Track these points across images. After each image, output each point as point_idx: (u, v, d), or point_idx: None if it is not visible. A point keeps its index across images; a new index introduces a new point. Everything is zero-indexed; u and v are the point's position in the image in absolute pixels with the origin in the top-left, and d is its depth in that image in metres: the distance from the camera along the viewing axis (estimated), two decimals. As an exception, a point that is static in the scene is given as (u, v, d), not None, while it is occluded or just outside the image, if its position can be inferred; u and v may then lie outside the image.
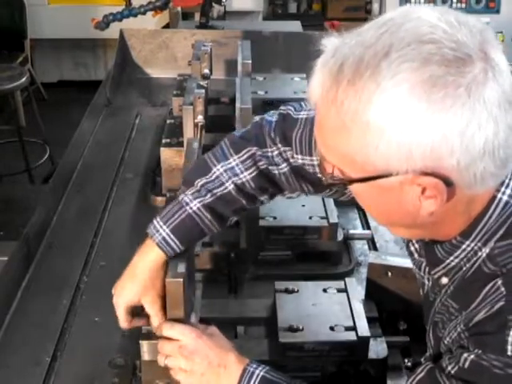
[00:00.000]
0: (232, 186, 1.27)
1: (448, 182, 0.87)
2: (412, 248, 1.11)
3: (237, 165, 1.28)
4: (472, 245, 0.96)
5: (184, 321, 1.23)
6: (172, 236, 1.25)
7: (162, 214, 1.27)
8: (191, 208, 1.26)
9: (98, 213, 2.02)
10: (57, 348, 1.52)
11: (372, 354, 1.35)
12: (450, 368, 0.93)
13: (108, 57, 5.56)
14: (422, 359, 1.09)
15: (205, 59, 2.28)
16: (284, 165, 1.27)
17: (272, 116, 1.31)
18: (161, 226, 1.26)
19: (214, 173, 1.28)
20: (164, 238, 1.25)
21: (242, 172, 1.28)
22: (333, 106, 0.88)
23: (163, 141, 2.03)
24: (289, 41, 3.07)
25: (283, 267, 1.73)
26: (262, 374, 1.17)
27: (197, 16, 3.93)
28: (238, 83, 2.15)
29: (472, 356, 0.89)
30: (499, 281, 0.91)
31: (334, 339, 1.32)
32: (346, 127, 0.88)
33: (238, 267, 1.67)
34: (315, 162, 1.23)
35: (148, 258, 1.27)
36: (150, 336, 1.32)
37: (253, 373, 1.17)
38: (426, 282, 1.09)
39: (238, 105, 1.97)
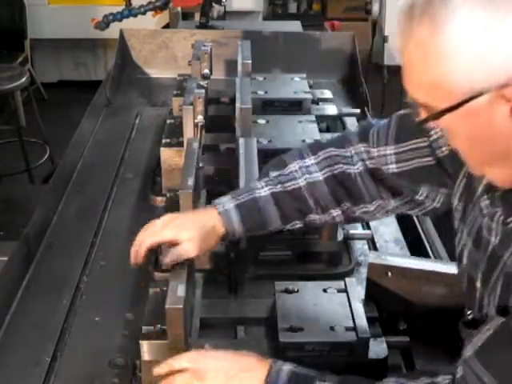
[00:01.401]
0: (304, 182, 1.33)
1: None
2: (483, 204, 1.11)
3: (312, 164, 1.35)
4: None
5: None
6: (235, 211, 1.33)
7: (233, 192, 1.37)
8: (260, 193, 1.34)
9: (98, 213, 2.02)
10: (57, 348, 1.52)
11: (372, 354, 1.35)
12: None
13: (108, 57, 5.57)
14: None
15: (205, 59, 2.28)
16: (359, 164, 1.33)
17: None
18: (227, 201, 1.35)
19: (289, 168, 1.35)
20: (227, 211, 1.33)
21: (316, 171, 1.34)
22: (411, 40, 0.95)
23: (163, 141, 2.03)
24: (289, 41, 3.07)
25: (283, 267, 1.73)
26: (290, 368, 1.14)
27: (197, 16, 3.93)
28: (238, 83, 2.15)
29: None
30: None
31: (334, 339, 1.32)
32: (427, 57, 0.94)
33: (237, 267, 1.67)
34: (388, 152, 1.29)
35: (208, 220, 1.32)
36: (150, 336, 1.32)
37: (280, 369, 1.14)
38: (493, 239, 1.08)
39: (237, 105, 1.97)
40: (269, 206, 1.33)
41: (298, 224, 1.36)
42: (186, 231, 1.31)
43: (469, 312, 1.12)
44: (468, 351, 1.00)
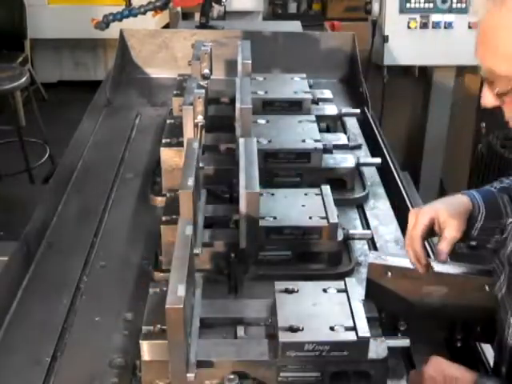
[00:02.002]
0: None
1: None
2: None
3: None
4: None
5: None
6: (477, 193, 1.39)
7: None
8: (495, 188, 1.41)
9: (98, 213, 2.02)
10: (57, 348, 1.52)
11: (372, 354, 1.34)
12: None
13: (108, 57, 5.57)
14: None
15: (205, 59, 2.27)
16: None
17: None
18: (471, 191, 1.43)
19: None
20: (470, 192, 1.40)
21: None
22: (503, 7, 0.94)
23: (163, 141, 2.03)
24: (289, 41, 3.07)
25: (283, 267, 1.73)
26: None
27: (197, 16, 3.93)
28: (238, 83, 2.15)
29: None
30: None
31: (334, 339, 1.32)
32: None
33: (237, 267, 1.67)
34: None
35: (454, 199, 1.39)
36: (150, 336, 1.32)
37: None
38: None
39: (237, 105, 1.97)
40: (501, 196, 1.38)
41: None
42: (441, 209, 1.35)
43: None
44: None
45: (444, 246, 1.33)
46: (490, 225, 1.38)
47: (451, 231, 1.32)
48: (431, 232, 1.37)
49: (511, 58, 0.96)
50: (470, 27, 3.84)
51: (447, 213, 1.34)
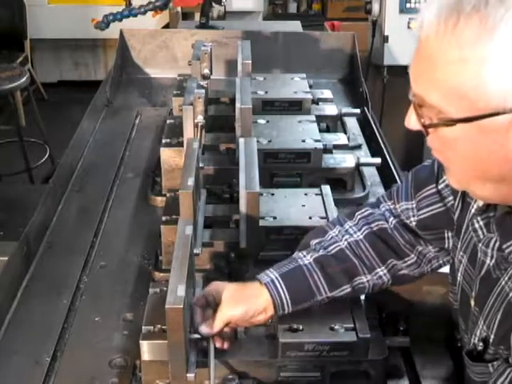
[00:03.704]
0: (345, 243, 1.34)
1: None
2: (477, 225, 1.08)
3: (350, 227, 1.36)
4: None
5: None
6: (280, 280, 1.31)
7: (275, 265, 1.35)
8: (303, 261, 1.33)
9: (98, 213, 2.02)
10: (57, 348, 1.52)
11: (372, 354, 1.34)
12: None
13: (108, 57, 5.57)
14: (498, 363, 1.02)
15: (205, 59, 2.27)
16: (392, 219, 1.35)
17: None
18: (271, 272, 1.33)
19: (329, 234, 1.37)
20: (272, 280, 1.31)
21: (355, 232, 1.35)
22: (452, 35, 0.84)
23: (163, 141, 2.03)
24: (289, 41, 3.07)
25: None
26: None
27: (197, 16, 3.93)
28: (238, 83, 2.15)
29: None
30: None
31: (334, 339, 1.32)
32: (464, 59, 0.84)
33: (238, 267, 1.67)
34: (409, 206, 1.30)
35: (256, 297, 1.31)
36: (150, 336, 1.32)
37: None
38: (488, 261, 1.04)
39: (237, 105, 1.97)
40: (314, 272, 1.31)
41: (347, 289, 1.33)
42: (218, 291, 1.34)
43: (471, 341, 1.09)
44: None
45: (207, 327, 1.29)
46: (304, 304, 1.33)
47: (217, 320, 1.29)
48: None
49: (446, 90, 0.86)
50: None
51: (224, 297, 1.32)
